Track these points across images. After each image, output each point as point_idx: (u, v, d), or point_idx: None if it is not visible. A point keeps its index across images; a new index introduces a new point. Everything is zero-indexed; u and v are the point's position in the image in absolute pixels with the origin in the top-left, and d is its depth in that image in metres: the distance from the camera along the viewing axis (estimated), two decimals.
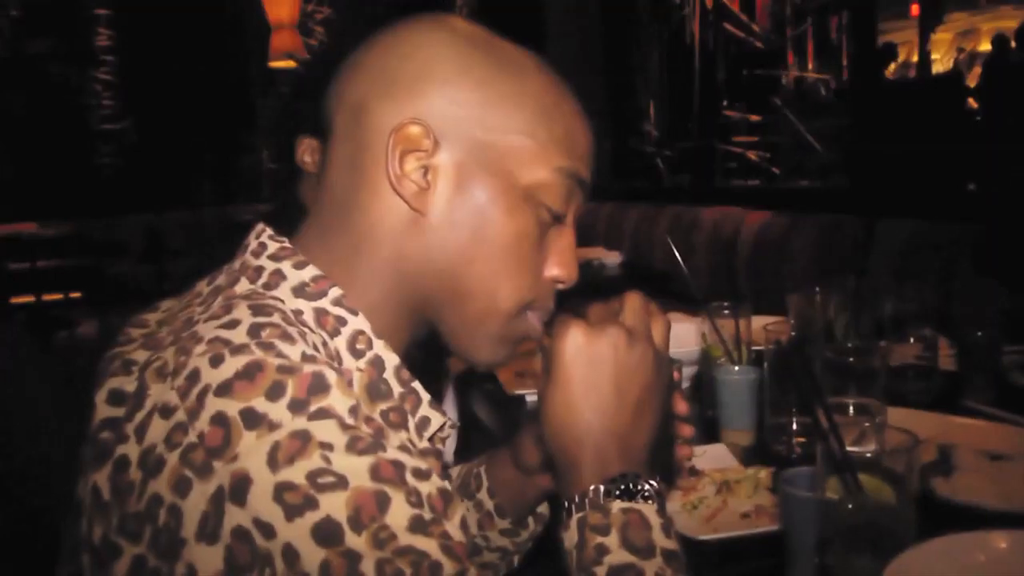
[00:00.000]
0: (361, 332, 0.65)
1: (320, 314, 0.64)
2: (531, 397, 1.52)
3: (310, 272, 0.65)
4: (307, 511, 0.51)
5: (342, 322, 0.64)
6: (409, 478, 0.55)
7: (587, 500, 0.63)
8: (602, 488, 0.63)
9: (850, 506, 0.72)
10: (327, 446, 0.53)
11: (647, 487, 0.63)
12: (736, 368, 1.25)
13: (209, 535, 0.52)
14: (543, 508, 0.93)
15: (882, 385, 1.10)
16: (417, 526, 0.53)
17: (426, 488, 0.55)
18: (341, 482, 0.52)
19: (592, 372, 0.65)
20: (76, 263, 4.81)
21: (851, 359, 1.09)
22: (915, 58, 10.86)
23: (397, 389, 0.66)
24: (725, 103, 4.39)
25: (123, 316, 0.68)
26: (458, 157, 0.65)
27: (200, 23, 4.96)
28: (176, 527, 0.52)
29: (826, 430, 0.74)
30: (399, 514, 0.53)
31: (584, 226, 4.89)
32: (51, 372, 1.00)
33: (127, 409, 0.56)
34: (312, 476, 0.52)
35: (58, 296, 4.84)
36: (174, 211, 4.97)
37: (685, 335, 1.57)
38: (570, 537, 0.63)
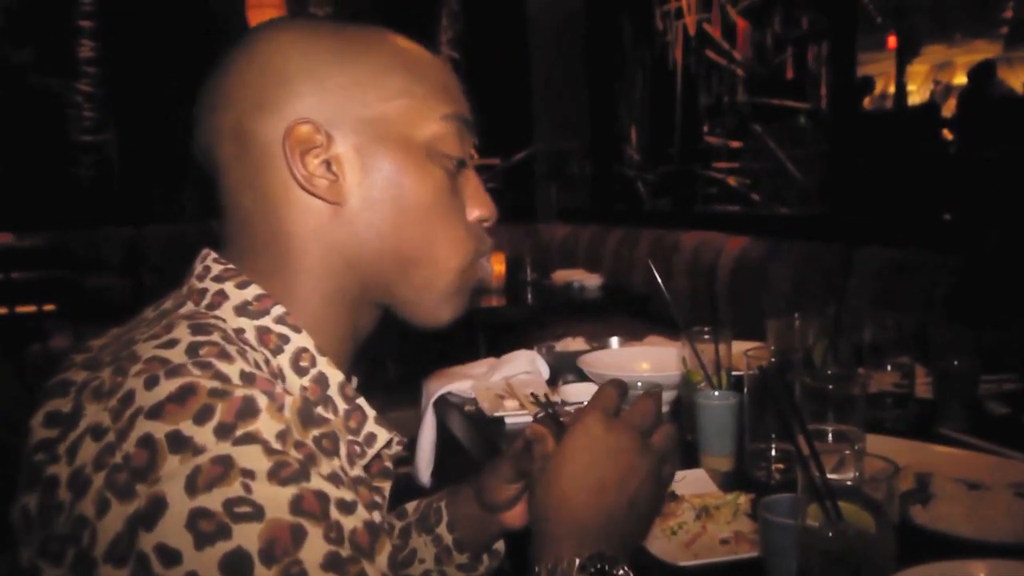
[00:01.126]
0: (304, 349, 0.65)
1: (262, 332, 0.64)
2: (510, 419, 1.51)
3: (253, 291, 0.65)
4: (219, 540, 0.49)
5: (285, 340, 0.64)
6: (332, 511, 0.54)
7: (559, 569, 0.65)
8: (577, 561, 0.65)
9: (830, 534, 0.72)
10: (249, 473, 0.51)
11: (621, 571, 0.66)
12: (716, 393, 1.25)
13: (118, 558, 0.50)
14: (499, 545, 0.95)
15: (861, 412, 1.11)
16: (332, 564, 0.52)
17: (350, 523, 0.54)
18: (258, 512, 0.51)
19: (602, 461, 0.69)
20: (53, 275, 4.74)
21: (830, 386, 1.10)
22: (892, 89, 11.05)
23: (342, 406, 0.66)
24: (706, 129, 4.43)
25: (98, 329, 0.67)
26: (353, 140, 0.66)
27: (185, 35, 4.95)
28: (92, 548, 0.51)
29: (806, 457, 0.74)
30: (314, 550, 0.51)
31: (565, 248, 4.92)
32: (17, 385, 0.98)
33: (61, 430, 0.55)
34: (229, 504, 0.50)
35: (32, 308, 4.77)
36: (155, 225, 4.93)
37: (665, 360, 1.57)
38: None
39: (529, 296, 3.27)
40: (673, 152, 4.71)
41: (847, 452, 0.85)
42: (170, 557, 0.49)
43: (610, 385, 0.76)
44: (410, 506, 0.98)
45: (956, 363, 1.33)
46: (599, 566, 0.65)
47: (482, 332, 2.95)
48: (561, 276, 3.49)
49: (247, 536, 0.50)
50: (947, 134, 7.21)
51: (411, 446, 1.73)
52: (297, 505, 0.52)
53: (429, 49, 0.73)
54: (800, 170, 3.83)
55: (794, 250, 3.02)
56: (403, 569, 0.93)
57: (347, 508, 0.55)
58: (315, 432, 0.58)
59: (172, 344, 0.57)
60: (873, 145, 5.39)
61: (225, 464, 0.51)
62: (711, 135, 4.42)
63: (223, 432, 0.52)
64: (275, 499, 0.51)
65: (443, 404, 1.69)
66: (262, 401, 0.54)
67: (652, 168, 4.91)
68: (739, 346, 1.34)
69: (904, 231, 2.91)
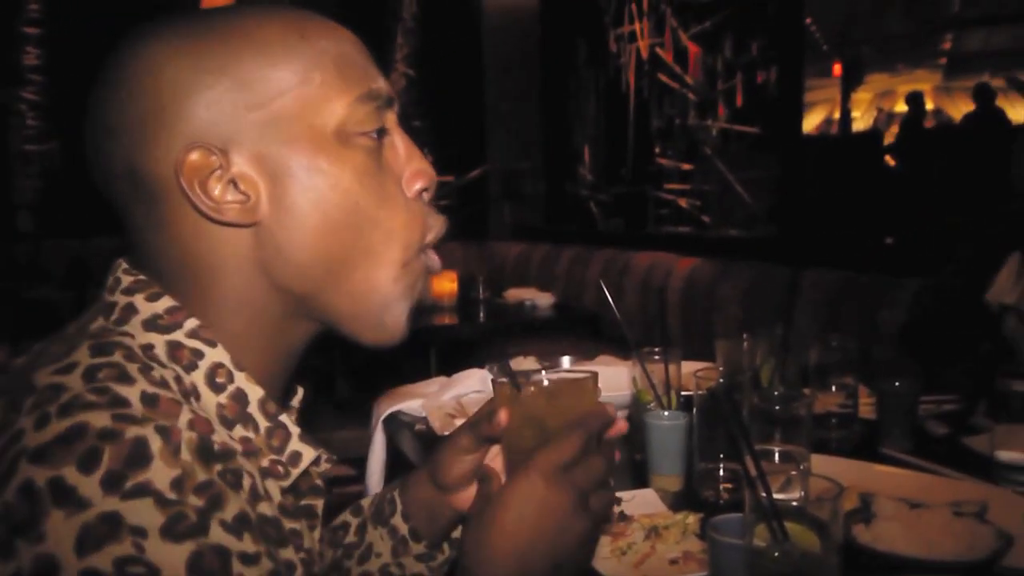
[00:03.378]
0: (220, 365, 0.61)
1: (173, 347, 0.59)
2: None
3: (164, 304, 0.61)
4: None
5: (198, 355, 0.60)
6: (235, 565, 0.50)
7: None
8: None
9: (776, 553, 0.73)
10: (140, 531, 0.47)
11: None
12: (665, 413, 1.26)
13: None
14: (457, 533, 0.90)
15: (807, 432, 1.12)
16: None
17: (254, 574, 0.51)
18: (152, 574, 0.47)
19: (534, 518, 0.66)
20: None
21: (777, 406, 1.11)
22: (837, 115, 11.35)
23: (263, 424, 0.62)
24: (658, 151, 4.50)
25: (37, 342, 0.65)
26: (252, 150, 0.60)
27: None
28: None
29: (753, 477, 0.75)
30: None
31: (518, 267, 4.92)
32: None
33: None
34: (120, 563, 0.47)
35: None
36: (101, 237, 4.81)
37: (616, 379, 1.58)
38: None
39: (481, 314, 3.27)
40: (625, 173, 4.77)
41: (793, 472, 0.86)
42: None
43: (574, 437, 0.69)
44: (365, 501, 0.94)
45: (896, 384, 1.37)
46: None
47: (434, 350, 2.94)
48: (513, 294, 3.50)
49: None
50: (889, 160, 7.42)
51: (361, 465, 1.71)
52: (196, 565, 0.48)
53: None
54: (749, 193, 3.91)
55: (743, 271, 3.07)
56: (361, 565, 0.89)
57: (249, 560, 0.51)
58: (218, 467, 0.53)
59: (70, 369, 0.53)
60: (819, 169, 5.53)
61: (112, 522, 0.47)
62: (663, 157, 4.49)
63: (110, 484, 0.48)
64: (170, 558, 0.48)
65: (393, 423, 1.68)
66: (155, 444, 0.50)
67: (605, 188, 4.96)
68: (689, 366, 1.36)
69: (850, 254, 2.98)
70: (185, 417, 0.54)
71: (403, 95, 5.44)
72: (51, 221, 5.02)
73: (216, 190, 0.59)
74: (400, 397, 1.74)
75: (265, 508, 0.57)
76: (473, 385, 1.70)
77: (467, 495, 0.85)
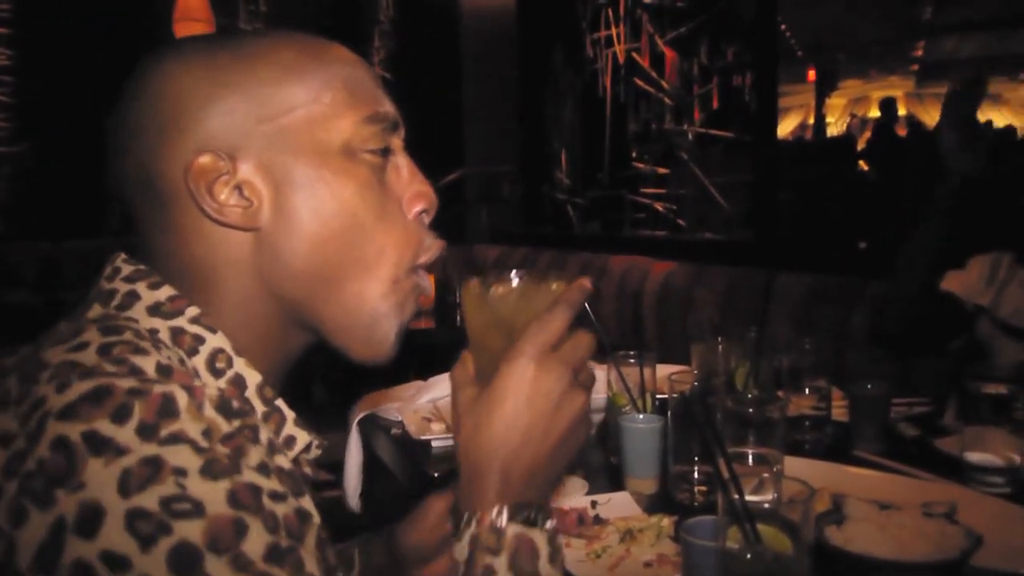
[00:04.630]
0: (221, 350, 0.63)
1: (177, 333, 0.62)
2: (436, 442, 1.50)
3: (166, 292, 0.63)
4: (162, 538, 0.48)
5: (200, 340, 0.62)
6: (266, 502, 0.53)
7: (486, 518, 0.64)
8: (506, 511, 0.64)
9: (748, 555, 0.74)
10: (181, 472, 0.50)
11: (546, 520, 0.65)
12: (640, 416, 1.27)
13: (45, 568, 0.48)
14: None
15: (780, 435, 1.13)
16: (273, 556, 0.51)
17: (282, 510, 0.54)
18: (197, 509, 0.50)
19: (529, 405, 0.66)
20: None
21: (751, 409, 1.12)
22: (811, 120, 11.47)
23: (260, 408, 0.64)
24: (634, 155, 4.52)
25: (6, 349, 0.64)
26: (260, 159, 0.63)
27: (107, 46, 4.81)
28: (10, 560, 0.49)
29: (726, 480, 0.75)
30: (256, 542, 0.51)
31: (495, 270, 4.87)
32: None
33: None
34: (166, 503, 0.49)
35: None
36: (73, 240, 4.75)
37: None
38: (460, 550, 0.64)
39: (459, 318, 3.26)
40: (602, 177, 4.79)
41: (766, 475, 0.87)
42: (118, 563, 0.48)
43: (559, 314, 0.69)
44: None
45: (868, 387, 1.38)
46: (525, 514, 0.65)
47: (411, 354, 2.93)
48: None
49: (190, 531, 0.49)
50: (863, 165, 7.50)
51: (338, 470, 1.70)
52: (234, 499, 0.51)
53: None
54: (724, 197, 3.93)
55: (719, 275, 3.09)
56: None
57: (278, 497, 0.54)
58: (236, 423, 0.57)
59: (82, 347, 0.55)
60: (794, 174, 5.58)
61: (155, 464, 0.50)
62: (639, 161, 4.51)
63: (146, 432, 0.50)
64: (212, 494, 0.50)
65: (370, 427, 1.67)
66: (182, 399, 0.53)
67: (582, 192, 4.97)
68: (664, 369, 1.36)
69: (823, 258, 3.00)
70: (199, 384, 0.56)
71: None
72: (22, 223, 4.96)
73: (222, 194, 0.63)
74: (376, 401, 1.73)
75: (281, 460, 0.59)
76: (449, 389, 1.70)
77: (435, 569, 0.87)
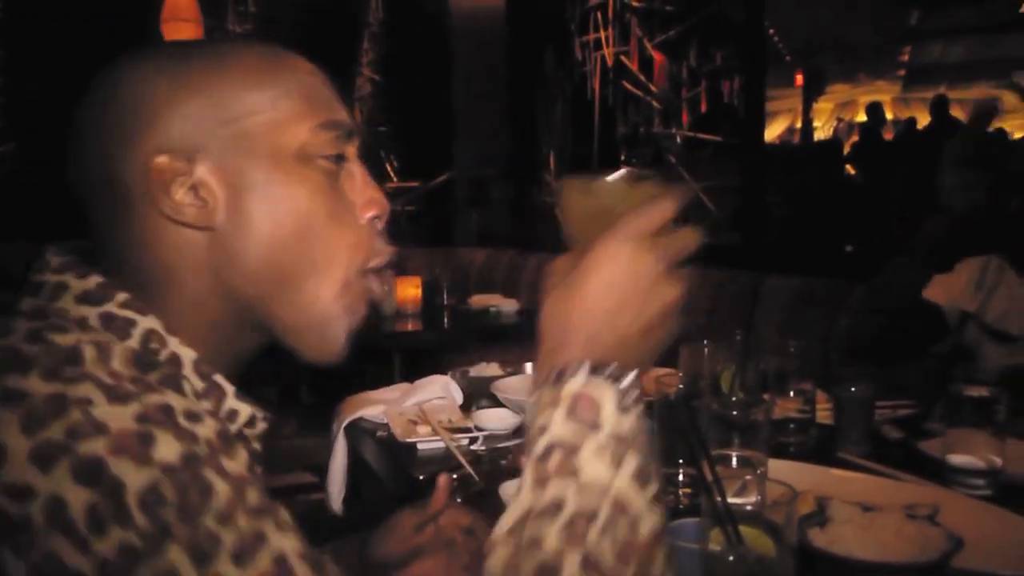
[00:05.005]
0: (153, 331, 0.63)
1: (107, 318, 0.62)
2: (422, 445, 1.50)
3: (94, 280, 0.63)
4: (63, 457, 0.48)
5: (131, 323, 0.62)
6: (181, 420, 0.53)
7: (567, 371, 0.64)
8: (587, 363, 0.64)
9: (731, 558, 0.74)
10: (86, 401, 0.51)
11: (632, 374, 0.64)
12: None
13: None
14: None
15: (765, 438, 1.14)
16: (189, 461, 0.51)
17: (201, 431, 0.53)
18: (100, 428, 0.50)
19: (623, 280, 0.66)
20: None
21: (735, 412, 1.12)
22: (799, 124, 11.52)
23: (199, 384, 0.64)
24: (623, 158, 4.53)
25: None
26: (217, 161, 0.65)
27: (95, 46, 4.79)
28: None
29: (709, 482, 0.76)
30: (167, 449, 0.51)
31: (484, 273, 4.91)
32: None
33: None
34: (71, 430, 0.49)
35: None
36: (60, 239, 4.72)
37: None
38: (530, 414, 0.64)
39: (446, 321, 3.26)
40: None
41: (749, 477, 0.87)
42: (21, 493, 0.48)
43: (662, 205, 0.68)
44: None
45: (853, 389, 1.39)
46: (609, 370, 0.63)
47: (397, 356, 2.92)
48: (478, 301, 3.49)
49: (93, 447, 0.49)
50: (850, 168, 7.53)
51: (323, 473, 1.70)
52: (143, 417, 0.51)
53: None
54: (712, 200, 3.95)
55: (707, 278, 3.09)
56: None
57: (195, 417, 0.54)
58: (155, 376, 0.57)
59: (5, 334, 0.57)
60: (781, 177, 5.60)
61: (58, 400, 0.50)
62: (628, 164, 4.52)
63: (49, 375, 0.51)
64: (118, 414, 0.51)
65: (355, 430, 1.67)
66: (89, 351, 0.54)
67: None
68: (652, 371, 1.36)
69: (810, 261, 3.02)
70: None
71: (369, 100, 5.42)
72: (8, 224, 4.92)
73: (178, 194, 0.64)
74: (362, 404, 1.73)
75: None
76: (435, 391, 1.70)
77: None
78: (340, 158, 0.70)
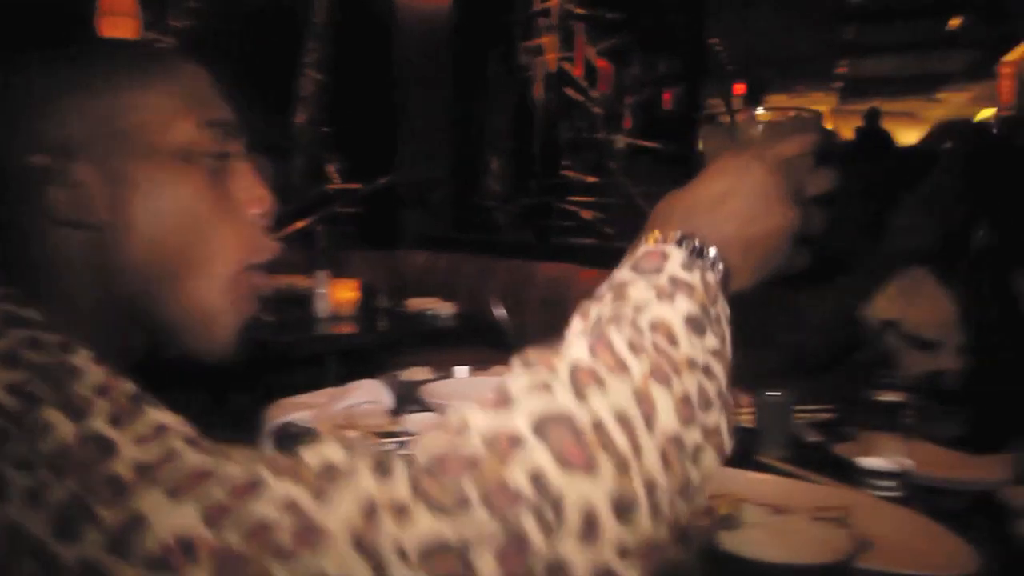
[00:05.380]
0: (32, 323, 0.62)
1: None
2: None
3: None
4: None
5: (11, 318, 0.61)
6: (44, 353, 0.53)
7: (655, 237, 0.63)
8: (678, 233, 0.62)
9: None
10: None
11: (714, 251, 0.62)
12: None
13: None
14: None
15: None
16: (56, 365, 0.52)
17: (40, 357, 0.52)
18: None
19: (745, 189, 0.65)
20: None
21: None
22: None
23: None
24: (565, 163, 4.56)
25: None
26: (97, 160, 0.65)
27: (30, 41, 4.64)
28: None
29: None
30: (36, 357, 0.52)
31: (423, 276, 4.88)
32: None
33: None
34: None
35: None
36: None
37: None
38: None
39: (382, 324, 3.24)
40: (532, 185, 4.82)
41: None
42: None
43: (798, 140, 0.68)
44: None
45: (773, 393, 1.42)
46: (696, 245, 0.61)
47: (332, 359, 2.90)
48: (415, 304, 3.48)
49: None
50: None
51: None
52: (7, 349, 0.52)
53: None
54: (650, 207, 4.00)
55: None
56: None
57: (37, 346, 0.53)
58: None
59: None
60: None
61: None
62: (569, 170, 4.55)
63: None
64: None
65: (284, 435, 1.64)
66: None
67: (512, 199, 5.00)
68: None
69: None
70: None
71: (312, 100, 5.36)
72: None
73: (59, 193, 0.64)
74: (291, 408, 1.70)
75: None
76: (364, 396, 1.69)
77: None
78: (224, 155, 0.70)
